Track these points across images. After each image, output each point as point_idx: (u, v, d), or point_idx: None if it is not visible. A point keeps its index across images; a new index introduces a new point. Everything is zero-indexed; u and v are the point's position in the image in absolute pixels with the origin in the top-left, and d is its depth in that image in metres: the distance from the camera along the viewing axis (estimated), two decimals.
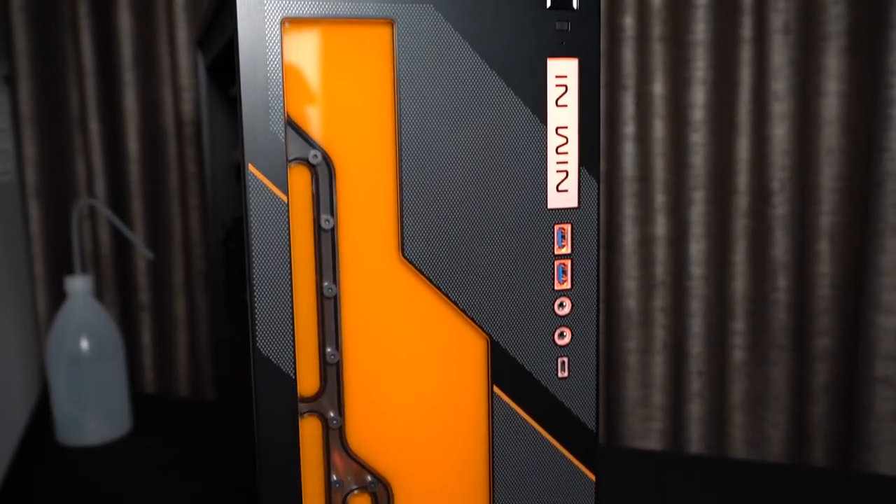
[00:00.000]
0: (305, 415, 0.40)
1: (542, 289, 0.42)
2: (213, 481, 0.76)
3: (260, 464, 0.40)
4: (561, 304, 0.43)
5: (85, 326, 0.85)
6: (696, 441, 0.93)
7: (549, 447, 0.43)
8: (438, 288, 0.41)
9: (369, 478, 0.42)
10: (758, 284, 0.90)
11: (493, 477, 0.43)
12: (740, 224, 0.89)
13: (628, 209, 0.92)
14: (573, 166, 0.42)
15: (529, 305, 0.42)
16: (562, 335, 0.43)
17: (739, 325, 0.91)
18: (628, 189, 0.92)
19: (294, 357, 0.39)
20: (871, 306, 0.84)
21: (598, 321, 0.43)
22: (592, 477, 0.44)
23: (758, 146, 0.88)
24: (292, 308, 0.39)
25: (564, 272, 0.42)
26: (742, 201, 0.89)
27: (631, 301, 0.93)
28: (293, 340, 0.39)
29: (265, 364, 0.39)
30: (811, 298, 0.88)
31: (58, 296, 1.07)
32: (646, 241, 0.93)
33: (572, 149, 0.42)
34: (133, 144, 1.06)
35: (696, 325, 0.91)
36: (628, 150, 0.91)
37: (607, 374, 0.96)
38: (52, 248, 1.07)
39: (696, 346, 0.91)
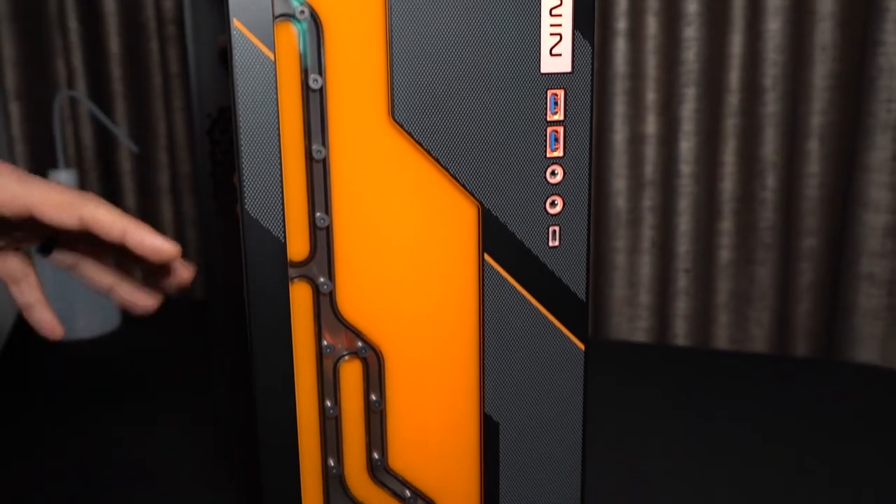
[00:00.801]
0: (295, 280, 0.40)
1: (535, 156, 0.42)
2: (203, 373, 0.76)
3: (251, 328, 0.40)
4: (553, 173, 0.42)
5: None
6: (681, 338, 0.94)
7: (540, 315, 0.44)
8: (429, 153, 0.40)
9: (360, 344, 0.42)
10: (746, 183, 0.90)
11: (483, 345, 0.43)
12: (731, 123, 0.89)
13: (619, 107, 0.91)
14: (567, 29, 0.41)
15: (521, 173, 0.42)
16: (553, 204, 0.42)
17: (727, 224, 0.91)
18: (619, 87, 0.91)
19: (283, 219, 0.39)
20: (858, 203, 0.85)
21: (590, 191, 0.43)
22: (582, 346, 0.45)
23: (751, 42, 0.87)
24: (281, 170, 0.38)
25: (557, 139, 0.42)
26: (733, 99, 0.88)
27: (620, 200, 0.93)
28: (282, 203, 0.39)
29: (254, 226, 0.39)
30: (798, 198, 0.88)
31: None
32: (636, 140, 0.92)
33: (566, 11, 0.41)
34: (114, 43, 1.03)
35: (685, 223, 0.91)
36: (619, 46, 0.90)
37: (596, 274, 0.96)
38: (34, 149, 1.06)
39: (684, 245, 0.91)
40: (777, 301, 0.92)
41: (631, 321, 0.96)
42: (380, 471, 0.44)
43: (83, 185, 1.08)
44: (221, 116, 0.69)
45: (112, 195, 1.09)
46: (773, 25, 0.86)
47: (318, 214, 0.40)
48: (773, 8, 0.85)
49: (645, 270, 0.94)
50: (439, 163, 0.40)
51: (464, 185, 0.41)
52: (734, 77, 0.87)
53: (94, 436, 0.67)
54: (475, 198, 0.41)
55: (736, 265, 0.92)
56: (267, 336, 0.40)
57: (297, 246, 0.40)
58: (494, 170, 0.41)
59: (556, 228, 0.43)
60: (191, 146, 1.03)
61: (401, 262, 0.41)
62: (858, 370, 0.82)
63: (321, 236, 0.40)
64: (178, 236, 1.08)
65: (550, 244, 0.43)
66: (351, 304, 0.41)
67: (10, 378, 0.78)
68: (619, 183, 0.93)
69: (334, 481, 0.43)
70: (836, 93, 0.86)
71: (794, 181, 0.88)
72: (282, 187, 0.39)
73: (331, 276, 0.41)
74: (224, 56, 0.66)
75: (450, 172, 0.41)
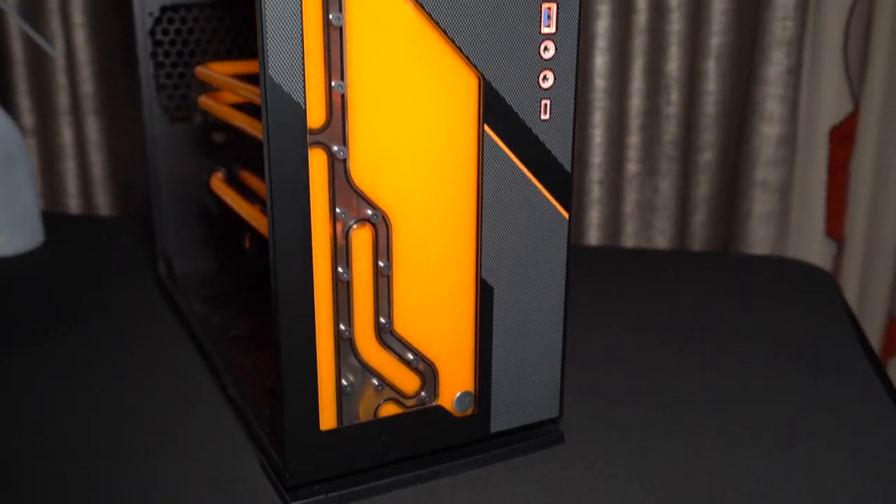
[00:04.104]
0: (312, 146, 0.41)
1: (530, 31, 0.44)
2: (130, 285, 0.76)
3: (271, 193, 0.41)
4: (546, 48, 0.45)
5: None
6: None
7: (531, 185, 0.47)
8: (437, 23, 0.42)
9: (370, 211, 0.44)
10: (652, 99, 0.96)
11: (481, 213, 0.46)
12: (639, 40, 0.94)
13: None
14: None
15: (519, 46, 0.44)
16: (545, 78, 0.45)
17: (634, 139, 0.97)
18: None
19: (304, 85, 0.40)
20: (755, 114, 0.92)
21: (577, 68, 0.46)
22: (566, 215, 0.48)
23: None
24: (302, 36, 0.39)
25: (550, 16, 0.45)
26: (641, 18, 0.93)
27: None
28: (303, 69, 0.40)
29: (276, 91, 0.40)
30: (698, 115, 0.95)
31: None
32: None
33: None
34: None
35: (598, 136, 0.96)
36: None
37: None
38: None
39: (598, 157, 0.96)
40: (678, 210, 0.99)
41: None
42: (386, 334, 0.46)
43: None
44: (164, 15, 0.68)
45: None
46: None
47: (334, 82, 0.41)
48: None
49: None
50: (446, 34, 0.43)
51: (467, 57, 0.43)
52: None
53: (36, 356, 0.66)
54: (477, 69, 0.44)
55: (641, 177, 0.98)
56: (287, 200, 0.41)
57: (315, 113, 0.41)
58: (495, 42, 0.44)
59: (548, 102, 0.46)
60: (100, 62, 1.00)
61: (409, 130, 0.43)
62: (750, 259, 0.89)
63: (337, 103, 0.42)
64: (78, 160, 1.05)
65: (542, 117, 0.46)
66: (363, 171, 0.43)
67: None
68: None
69: (345, 344, 0.45)
70: (733, 16, 0.92)
71: (694, 98, 0.95)
72: (303, 54, 0.40)
73: (345, 143, 0.42)
74: None
75: (455, 43, 0.43)
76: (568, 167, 0.47)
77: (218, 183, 0.61)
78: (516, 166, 0.46)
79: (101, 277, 0.78)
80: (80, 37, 1.01)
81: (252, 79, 0.66)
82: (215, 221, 0.71)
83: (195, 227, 0.73)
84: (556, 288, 0.49)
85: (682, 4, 0.92)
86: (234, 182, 0.62)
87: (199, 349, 0.62)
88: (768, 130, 0.91)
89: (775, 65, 0.90)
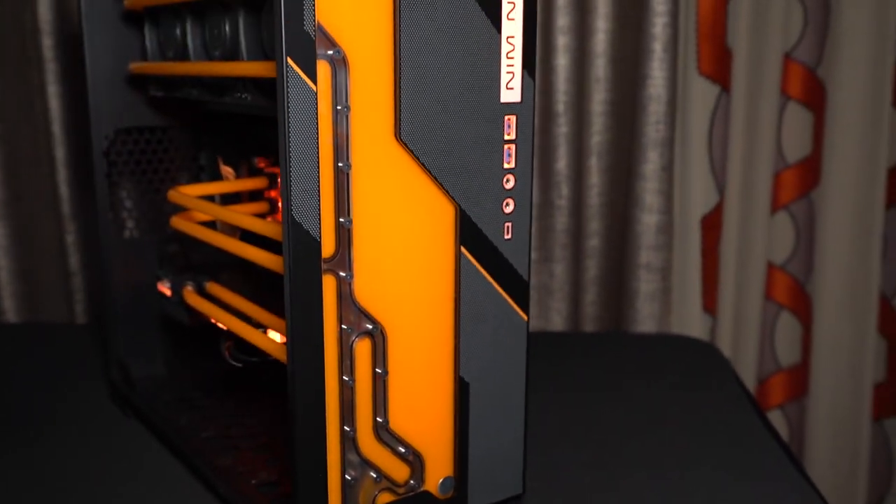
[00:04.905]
0: (325, 273, 0.48)
1: (495, 166, 0.53)
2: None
3: (290, 315, 0.47)
4: (507, 180, 0.54)
5: None
6: None
7: (498, 294, 0.55)
8: (422, 164, 0.50)
9: (370, 325, 0.50)
10: (546, 193, 1.07)
11: (458, 318, 0.53)
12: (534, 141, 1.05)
13: None
14: (518, 68, 0.53)
15: (487, 180, 0.53)
16: (507, 205, 0.54)
17: (532, 228, 1.07)
18: None
19: (319, 222, 0.47)
20: (636, 205, 1.04)
21: (531, 194, 0.55)
22: (525, 317, 0.56)
23: (545, 75, 1.04)
24: (319, 181, 0.46)
25: (510, 154, 0.54)
26: (535, 121, 1.04)
27: None
28: (319, 209, 0.47)
29: (297, 228, 0.46)
30: (585, 206, 1.06)
31: None
32: None
33: (517, 54, 0.52)
34: None
35: None
36: None
37: None
38: None
39: None
40: (572, 291, 1.09)
41: None
42: (383, 431, 0.52)
43: None
44: (118, 138, 0.73)
45: None
46: (562, 62, 1.03)
47: (342, 218, 0.48)
48: (562, 47, 1.02)
49: None
50: (429, 172, 0.51)
51: (447, 190, 0.51)
52: (536, 102, 1.03)
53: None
54: (454, 200, 0.52)
55: (538, 263, 1.08)
56: (303, 320, 0.48)
57: (328, 244, 0.48)
58: (469, 177, 0.52)
59: (510, 224, 0.54)
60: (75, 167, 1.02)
61: (401, 253, 0.51)
62: (641, 338, 1.01)
63: (344, 236, 0.49)
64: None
65: (505, 237, 0.54)
66: (364, 291, 0.50)
67: None
68: None
69: (348, 442, 0.51)
70: (611, 118, 1.05)
71: (581, 191, 1.06)
72: (319, 197, 0.47)
73: (350, 268, 0.49)
74: (134, 80, 0.71)
75: (437, 180, 0.51)
76: (526, 277, 0.56)
77: (191, 296, 0.66)
78: (486, 279, 0.54)
79: (46, 387, 0.80)
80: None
81: (227, 199, 0.72)
82: (172, 329, 0.75)
83: (147, 335, 0.76)
84: (518, 378, 0.57)
85: (568, 109, 1.04)
86: (203, 294, 0.66)
87: (173, 451, 0.66)
88: (648, 219, 1.04)
89: (651, 163, 1.03)
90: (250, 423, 0.69)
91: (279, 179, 0.69)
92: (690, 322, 1.08)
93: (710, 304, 1.08)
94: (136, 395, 0.73)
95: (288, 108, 0.45)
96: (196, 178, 0.78)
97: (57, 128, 1.03)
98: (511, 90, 0.53)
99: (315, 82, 0.46)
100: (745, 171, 1.09)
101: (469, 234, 0.53)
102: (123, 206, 0.75)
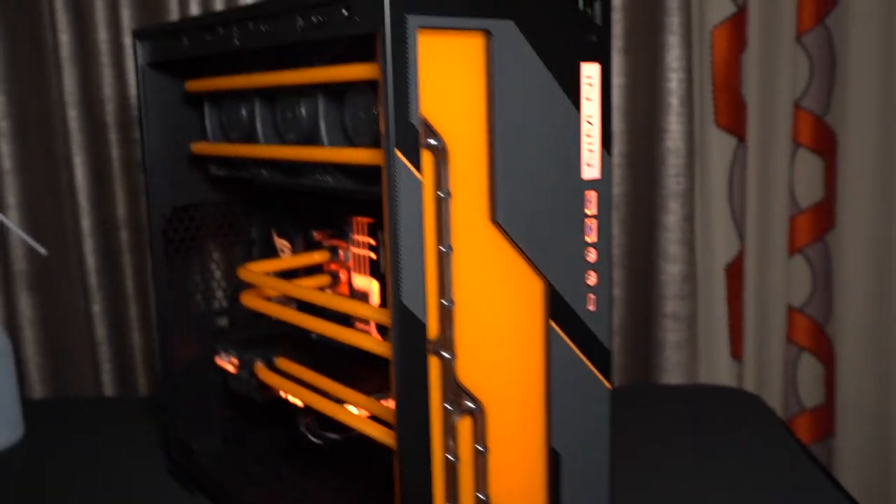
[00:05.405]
0: (431, 354, 0.49)
1: (579, 241, 0.54)
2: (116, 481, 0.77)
3: (400, 391, 0.48)
4: (589, 253, 0.55)
5: None
6: None
7: (584, 365, 0.56)
8: (515, 244, 0.52)
9: (471, 404, 0.51)
10: None
11: (549, 391, 0.54)
12: None
13: None
14: (596, 146, 0.54)
15: (571, 254, 0.54)
16: (590, 277, 0.55)
17: None
18: None
19: (425, 305, 0.48)
20: (659, 257, 1.06)
21: (610, 266, 0.56)
22: (609, 386, 0.58)
23: None
24: (424, 265, 0.48)
25: (591, 228, 0.55)
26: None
27: None
28: (425, 292, 0.48)
29: (405, 312, 0.47)
30: None
31: None
32: None
33: (595, 132, 0.54)
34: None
35: None
36: None
37: None
38: None
39: None
40: None
41: None
42: None
43: None
44: (175, 216, 0.74)
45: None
46: None
47: (444, 301, 0.49)
48: None
49: None
50: (522, 251, 0.52)
51: (537, 267, 0.53)
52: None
53: None
54: (543, 276, 0.53)
55: None
56: (411, 399, 0.49)
57: (432, 326, 0.49)
58: (556, 253, 0.53)
59: (593, 296, 0.56)
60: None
61: (496, 331, 0.52)
62: (671, 390, 1.02)
63: (446, 317, 0.50)
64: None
65: (590, 309, 0.56)
66: (465, 370, 0.51)
67: None
68: None
69: None
70: (626, 170, 1.07)
71: None
72: (424, 280, 0.48)
73: (452, 349, 0.50)
74: (193, 159, 0.71)
75: (528, 257, 0.52)
76: (608, 347, 0.57)
77: (264, 371, 0.66)
78: (573, 351, 0.55)
79: (102, 463, 0.79)
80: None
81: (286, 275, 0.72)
82: (230, 403, 0.75)
83: (207, 410, 0.76)
84: (604, 446, 0.58)
85: None
86: (273, 369, 0.67)
87: None
88: (672, 269, 1.06)
89: (672, 213, 1.05)
90: (322, 499, 0.69)
91: (340, 252, 0.70)
92: (718, 370, 1.10)
93: (736, 350, 1.10)
94: (197, 470, 0.73)
95: (396, 196, 0.46)
96: (248, 251, 0.78)
97: (83, 199, 1.04)
98: (590, 167, 0.54)
99: (420, 171, 0.47)
100: (762, 217, 1.11)
101: (557, 308, 0.54)
102: (180, 283, 0.75)
